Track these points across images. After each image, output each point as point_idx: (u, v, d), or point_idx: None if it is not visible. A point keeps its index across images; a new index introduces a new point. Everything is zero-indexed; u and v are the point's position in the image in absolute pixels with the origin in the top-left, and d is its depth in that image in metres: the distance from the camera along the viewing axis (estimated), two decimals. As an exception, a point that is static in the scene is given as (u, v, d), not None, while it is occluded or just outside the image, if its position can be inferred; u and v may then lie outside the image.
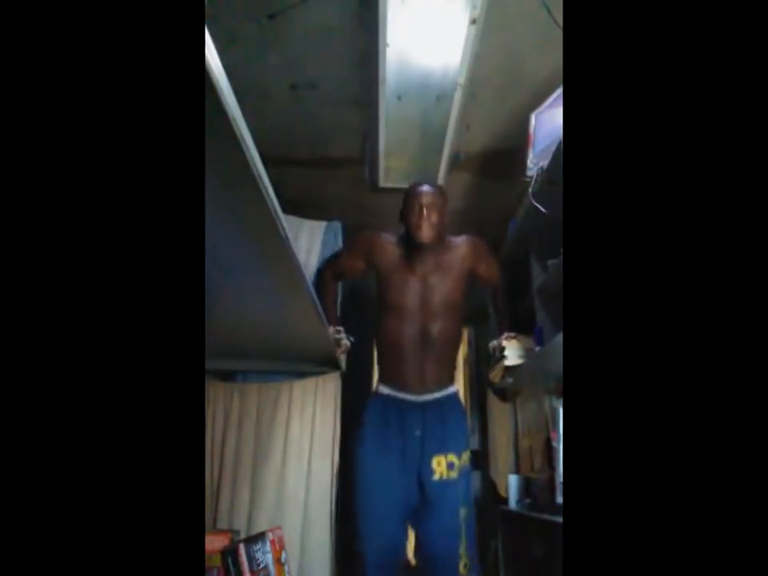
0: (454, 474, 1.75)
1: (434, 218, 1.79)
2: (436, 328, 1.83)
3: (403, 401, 1.82)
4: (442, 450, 1.76)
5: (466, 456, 1.80)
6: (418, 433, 1.77)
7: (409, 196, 1.85)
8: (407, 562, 1.84)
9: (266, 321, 1.60)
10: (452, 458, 1.76)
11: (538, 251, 1.95)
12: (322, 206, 2.52)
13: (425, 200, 1.79)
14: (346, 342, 1.94)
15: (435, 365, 1.84)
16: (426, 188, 1.84)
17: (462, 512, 1.72)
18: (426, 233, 1.78)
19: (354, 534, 1.74)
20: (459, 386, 2.40)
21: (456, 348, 1.95)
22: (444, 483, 1.73)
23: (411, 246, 1.85)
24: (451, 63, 1.76)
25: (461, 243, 1.92)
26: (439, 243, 1.85)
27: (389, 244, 1.91)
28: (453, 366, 1.94)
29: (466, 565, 1.68)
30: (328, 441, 2.19)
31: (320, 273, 2.06)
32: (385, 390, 1.86)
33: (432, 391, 1.83)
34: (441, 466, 1.75)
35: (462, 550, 1.68)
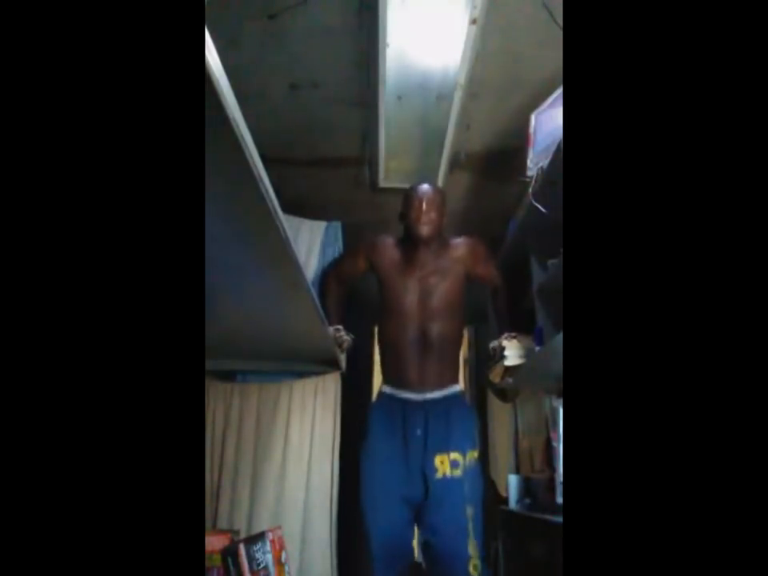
0: (458, 473, 1.73)
1: (433, 213, 1.87)
2: (435, 329, 1.85)
3: (405, 400, 1.82)
4: (445, 448, 1.75)
5: (472, 455, 1.79)
6: (419, 432, 1.76)
7: (409, 194, 1.93)
8: (417, 563, 1.81)
9: (266, 321, 1.60)
10: (456, 456, 1.74)
11: (538, 251, 1.95)
12: (322, 205, 2.51)
13: (424, 197, 1.88)
14: (347, 339, 1.95)
15: (436, 364, 1.85)
16: (425, 187, 1.93)
17: (469, 511, 1.69)
18: (425, 228, 1.85)
19: (363, 533, 1.73)
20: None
21: (457, 348, 1.96)
22: (448, 481, 1.71)
23: (410, 244, 1.91)
24: (451, 63, 1.76)
25: (459, 245, 1.98)
26: (438, 242, 1.92)
27: (388, 246, 1.98)
28: (455, 366, 1.95)
29: (476, 566, 1.64)
30: (328, 441, 2.19)
31: (324, 276, 2.09)
32: (387, 389, 1.88)
33: (433, 390, 1.83)
34: (444, 464, 1.73)
35: (471, 549, 1.65)
